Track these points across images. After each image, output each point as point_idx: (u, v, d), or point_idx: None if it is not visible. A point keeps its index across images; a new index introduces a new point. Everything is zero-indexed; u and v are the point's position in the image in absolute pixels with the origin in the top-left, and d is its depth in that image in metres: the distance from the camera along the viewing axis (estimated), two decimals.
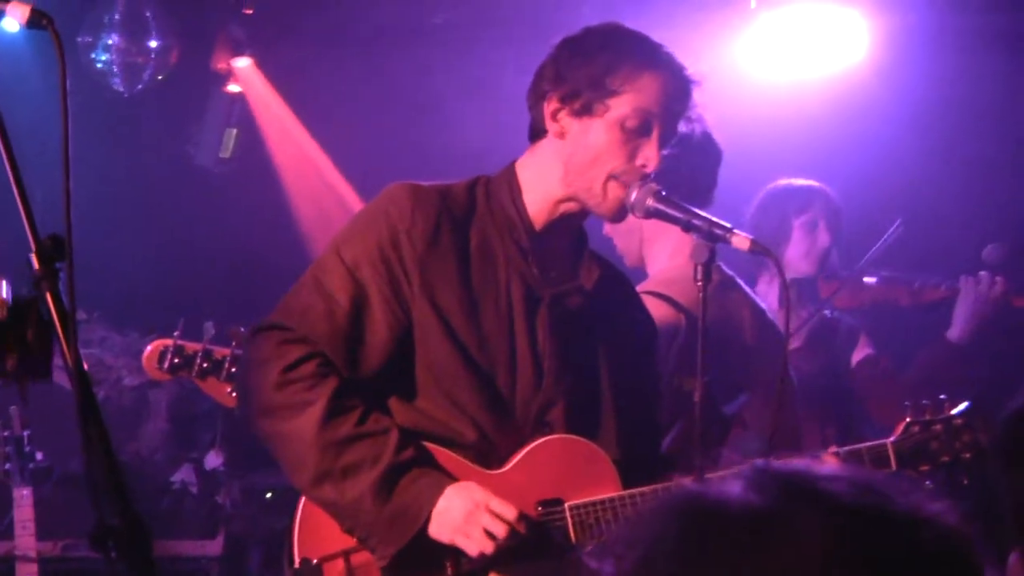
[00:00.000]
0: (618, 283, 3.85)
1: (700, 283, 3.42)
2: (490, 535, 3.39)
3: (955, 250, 6.39)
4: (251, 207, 7.44)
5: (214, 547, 6.06)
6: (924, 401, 3.80)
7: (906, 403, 3.82)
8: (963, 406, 3.79)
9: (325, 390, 3.43)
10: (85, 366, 2.33)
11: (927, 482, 3.73)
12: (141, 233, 7.25)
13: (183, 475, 5.99)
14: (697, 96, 3.57)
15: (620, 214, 3.59)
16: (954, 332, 5.64)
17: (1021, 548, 1.96)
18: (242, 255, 7.18)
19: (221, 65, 7.27)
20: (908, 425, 3.76)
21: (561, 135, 3.55)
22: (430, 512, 3.40)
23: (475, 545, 3.39)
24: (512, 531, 3.40)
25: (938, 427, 3.76)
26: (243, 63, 7.29)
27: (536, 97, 3.60)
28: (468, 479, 3.49)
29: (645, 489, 3.52)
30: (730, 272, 4.58)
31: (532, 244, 3.61)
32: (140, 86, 6.85)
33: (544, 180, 3.61)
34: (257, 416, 3.51)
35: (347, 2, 7.00)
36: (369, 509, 3.41)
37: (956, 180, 6.87)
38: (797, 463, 1.47)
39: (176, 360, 4.46)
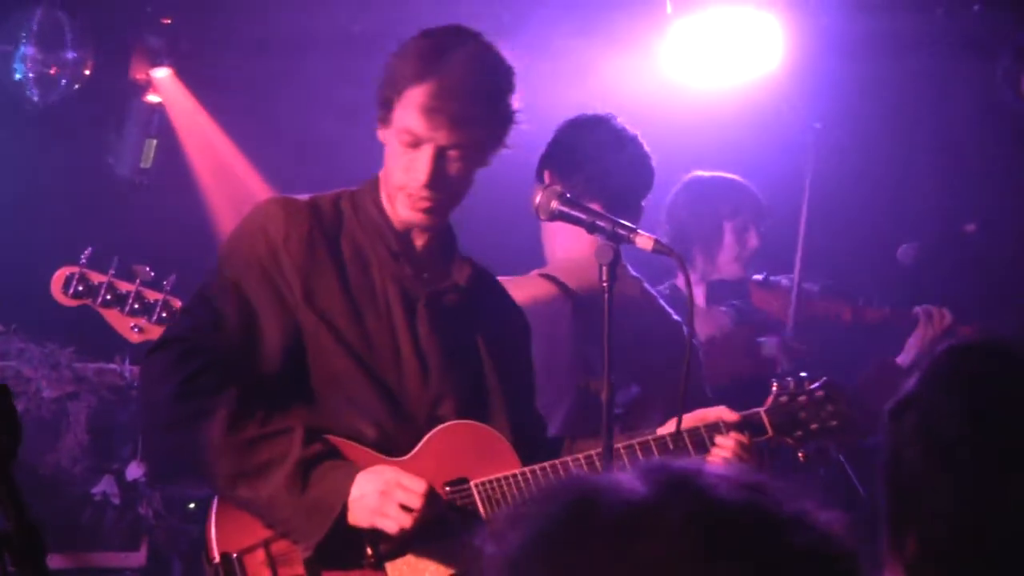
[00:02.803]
0: (487, 280, 3.93)
1: (605, 283, 3.45)
2: (406, 509, 3.43)
3: (867, 250, 6.48)
4: (172, 217, 7.40)
5: (137, 558, 6.01)
6: (787, 378, 3.97)
7: (771, 379, 3.98)
8: (820, 380, 3.97)
9: (226, 397, 3.47)
10: None
11: (800, 453, 3.91)
12: (60, 244, 7.17)
13: (104, 486, 5.94)
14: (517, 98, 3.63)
15: (414, 225, 3.65)
16: (905, 358, 5.61)
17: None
18: (163, 265, 7.12)
19: (139, 75, 7.22)
20: (777, 395, 3.91)
21: (384, 143, 3.67)
22: (346, 501, 3.44)
23: (393, 522, 3.44)
24: (428, 502, 3.44)
25: (803, 399, 3.92)
26: (162, 73, 7.24)
27: None
28: (375, 466, 3.53)
29: (546, 464, 3.64)
30: (634, 273, 4.58)
31: (402, 248, 3.68)
32: (55, 97, 6.79)
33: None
34: (164, 430, 3.56)
35: (265, 11, 6.98)
36: (285, 504, 3.45)
37: (871, 181, 6.95)
38: (690, 461, 1.49)
39: (80, 287, 4.54)
